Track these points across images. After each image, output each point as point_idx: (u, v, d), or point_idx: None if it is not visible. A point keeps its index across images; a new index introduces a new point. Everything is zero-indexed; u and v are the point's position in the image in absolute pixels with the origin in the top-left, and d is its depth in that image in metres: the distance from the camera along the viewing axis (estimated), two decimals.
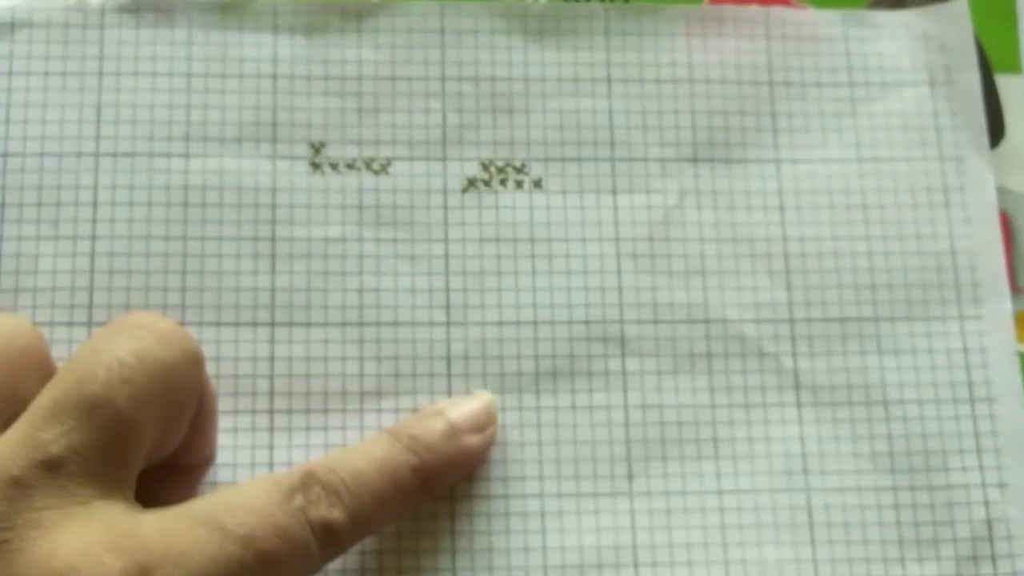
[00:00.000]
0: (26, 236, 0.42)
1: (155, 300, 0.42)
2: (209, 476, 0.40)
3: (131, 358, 0.34)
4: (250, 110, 0.44)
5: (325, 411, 0.42)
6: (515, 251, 0.44)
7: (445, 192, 0.44)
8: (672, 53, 0.47)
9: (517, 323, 0.43)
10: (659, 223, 0.45)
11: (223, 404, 0.41)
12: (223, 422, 0.40)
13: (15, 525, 0.31)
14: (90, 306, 0.42)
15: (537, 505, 0.41)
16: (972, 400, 0.44)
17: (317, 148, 0.44)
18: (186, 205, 0.43)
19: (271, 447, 0.41)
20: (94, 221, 0.42)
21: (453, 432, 0.39)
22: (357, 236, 0.43)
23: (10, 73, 0.44)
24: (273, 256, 0.43)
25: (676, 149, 0.46)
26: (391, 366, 0.42)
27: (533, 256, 0.44)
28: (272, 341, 0.42)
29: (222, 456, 0.40)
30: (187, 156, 0.43)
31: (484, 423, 0.41)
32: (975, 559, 0.42)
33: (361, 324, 0.42)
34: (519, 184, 0.45)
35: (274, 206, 0.43)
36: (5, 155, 0.43)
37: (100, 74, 0.44)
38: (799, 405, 0.43)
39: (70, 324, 0.41)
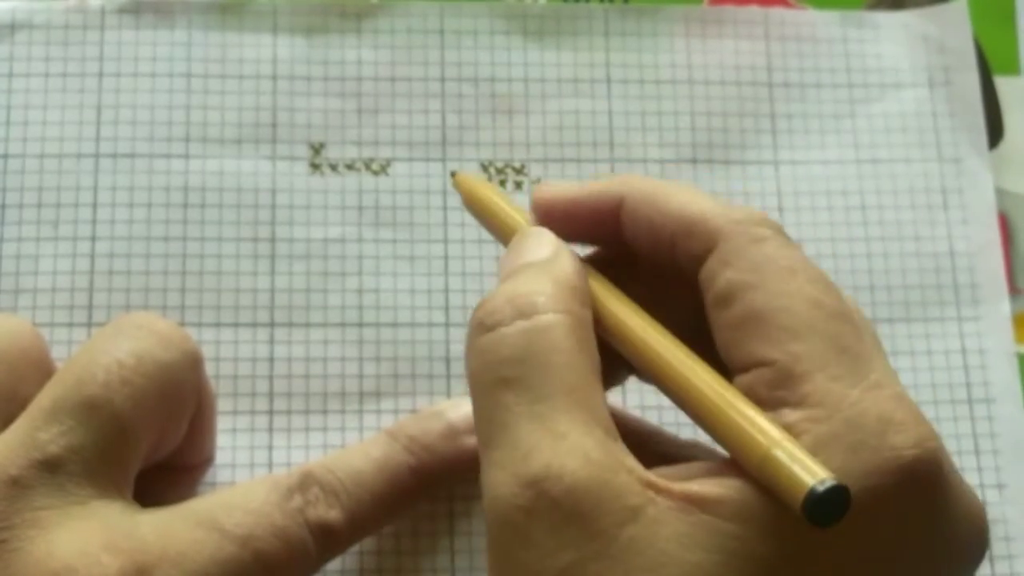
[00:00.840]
0: (26, 237, 0.42)
1: (155, 301, 0.42)
2: (208, 476, 0.40)
3: (130, 359, 0.34)
4: (250, 111, 0.44)
5: (324, 412, 0.42)
6: None
7: (445, 193, 0.44)
8: (671, 54, 0.47)
9: None
10: None
11: (222, 404, 0.41)
12: (222, 422, 0.40)
13: (13, 525, 0.31)
14: (90, 307, 0.42)
15: None
16: (970, 401, 0.44)
17: (317, 149, 0.44)
18: (186, 206, 0.43)
19: (270, 448, 0.41)
20: (94, 222, 0.42)
21: (452, 433, 0.39)
22: (356, 237, 0.43)
23: (10, 74, 0.44)
24: (273, 257, 0.43)
25: (675, 150, 0.46)
26: (390, 367, 0.42)
27: None
28: (271, 342, 0.42)
29: (221, 456, 0.41)
30: (187, 157, 0.44)
31: None
32: None
33: (360, 325, 0.43)
34: (518, 185, 0.45)
35: (274, 207, 0.43)
36: (5, 156, 0.43)
37: (100, 75, 0.44)
38: None
39: (70, 325, 0.41)
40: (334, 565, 0.39)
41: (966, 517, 0.30)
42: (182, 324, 0.42)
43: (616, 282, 0.33)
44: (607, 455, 0.28)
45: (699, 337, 0.31)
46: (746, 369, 0.30)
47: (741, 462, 0.28)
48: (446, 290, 0.43)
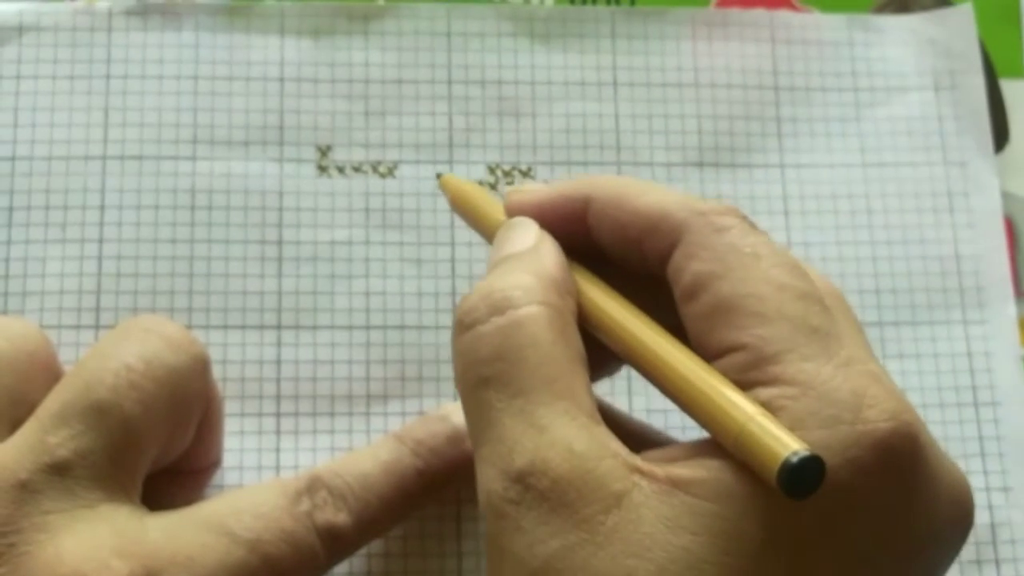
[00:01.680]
0: (34, 239, 0.42)
1: (162, 303, 0.42)
2: (216, 479, 0.40)
3: (138, 363, 0.34)
4: (257, 113, 0.44)
5: (331, 414, 0.42)
6: None
7: None
8: (678, 57, 0.47)
9: None
10: None
11: (230, 407, 0.41)
12: (230, 425, 0.41)
13: (22, 528, 0.31)
14: (97, 309, 0.42)
15: None
16: (976, 404, 0.44)
17: (324, 151, 0.44)
18: (193, 208, 0.43)
19: (278, 450, 0.41)
20: (101, 224, 0.43)
21: (458, 436, 0.39)
22: (364, 239, 0.44)
23: (18, 77, 0.44)
24: (280, 259, 0.43)
25: (682, 153, 0.46)
26: (397, 369, 0.42)
27: None
28: (279, 344, 0.42)
29: (229, 459, 0.41)
30: (194, 159, 0.44)
31: None
32: (979, 563, 0.42)
33: (368, 327, 0.43)
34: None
35: (281, 209, 0.43)
36: (13, 158, 0.43)
37: (107, 77, 0.44)
38: None
39: (77, 327, 0.41)
40: (342, 568, 0.39)
41: (948, 492, 0.30)
42: (189, 326, 0.42)
43: None
44: (591, 443, 0.29)
45: (675, 334, 0.32)
46: (719, 356, 0.30)
47: (720, 439, 0.29)
48: (453, 292, 0.43)
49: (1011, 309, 0.45)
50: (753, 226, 0.32)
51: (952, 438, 0.44)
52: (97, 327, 0.42)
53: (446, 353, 0.43)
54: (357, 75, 0.45)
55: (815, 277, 0.32)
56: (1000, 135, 0.47)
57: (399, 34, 0.46)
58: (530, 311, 0.31)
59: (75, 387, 0.33)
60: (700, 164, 0.46)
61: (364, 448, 0.39)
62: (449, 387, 0.42)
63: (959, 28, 0.48)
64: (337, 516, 0.35)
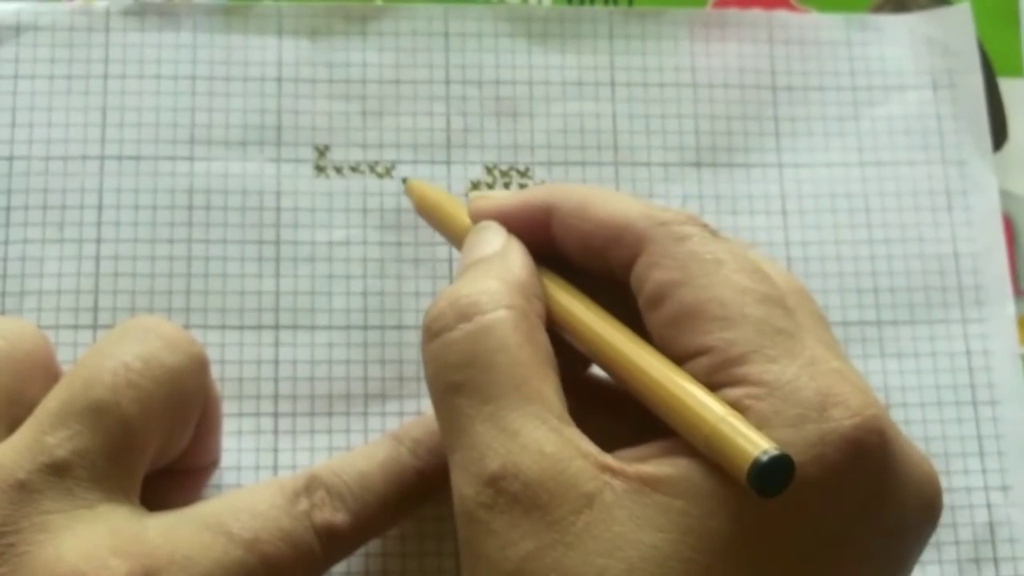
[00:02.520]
0: (32, 239, 0.42)
1: (160, 303, 0.42)
2: (214, 479, 0.40)
3: (137, 362, 0.34)
4: (255, 113, 0.44)
5: (329, 414, 0.42)
6: None
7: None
8: (676, 57, 0.47)
9: None
10: None
11: (227, 407, 0.41)
12: (228, 425, 0.41)
13: (21, 529, 0.31)
14: (95, 309, 0.42)
15: None
16: (975, 403, 0.44)
17: (321, 151, 0.44)
18: (191, 208, 0.43)
19: (275, 450, 0.41)
20: (99, 224, 0.43)
21: None
22: (361, 239, 0.44)
23: (15, 76, 0.44)
24: (278, 259, 0.43)
25: (679, 153, 0.46)
26: (395, 369, 0.42)
27: None
28: (277, 344, 0.42)
29: (227, 459, 0.41)
30: (192, 159, 0.44)
31: None
32: (977, 562, 0.42)
33: (365, 328, 0.43)
34: (523, 188, 0.45)
35: (279, 209, 0.43)
36: (11, 158, 0.43)
37: (105, 77, 0.44)
38: None
39: (75, 327, 0.41)
40: (340, 568, 0.39)
41: (916, 483, 0.31)
42: (187, 326, 0.42)
43: None
44: (561, 444, 0.29)
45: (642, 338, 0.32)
46: (684, 360, 0.31)
47: (689, 439, 0.29)
48: None
49: (1010, 308, 0.45)
50: (715, 233, 0.32)
51: (951, 437, 0.44)
52: (95, 327, 0.42)
53: None
54: (355, 75, 0.45)
55: (778, 275, 0.32)
56: (998, 134, 0.47)
57: (396, 34, 0.46)
58: (497, 316, 0.31)
59: (73, 387, 0.33)
60: (698, 164, 0.46)
61: (362, 447, 0.38)
62: None
63: (957, 27, 0.48)
64: (335, 515, 0.35)
